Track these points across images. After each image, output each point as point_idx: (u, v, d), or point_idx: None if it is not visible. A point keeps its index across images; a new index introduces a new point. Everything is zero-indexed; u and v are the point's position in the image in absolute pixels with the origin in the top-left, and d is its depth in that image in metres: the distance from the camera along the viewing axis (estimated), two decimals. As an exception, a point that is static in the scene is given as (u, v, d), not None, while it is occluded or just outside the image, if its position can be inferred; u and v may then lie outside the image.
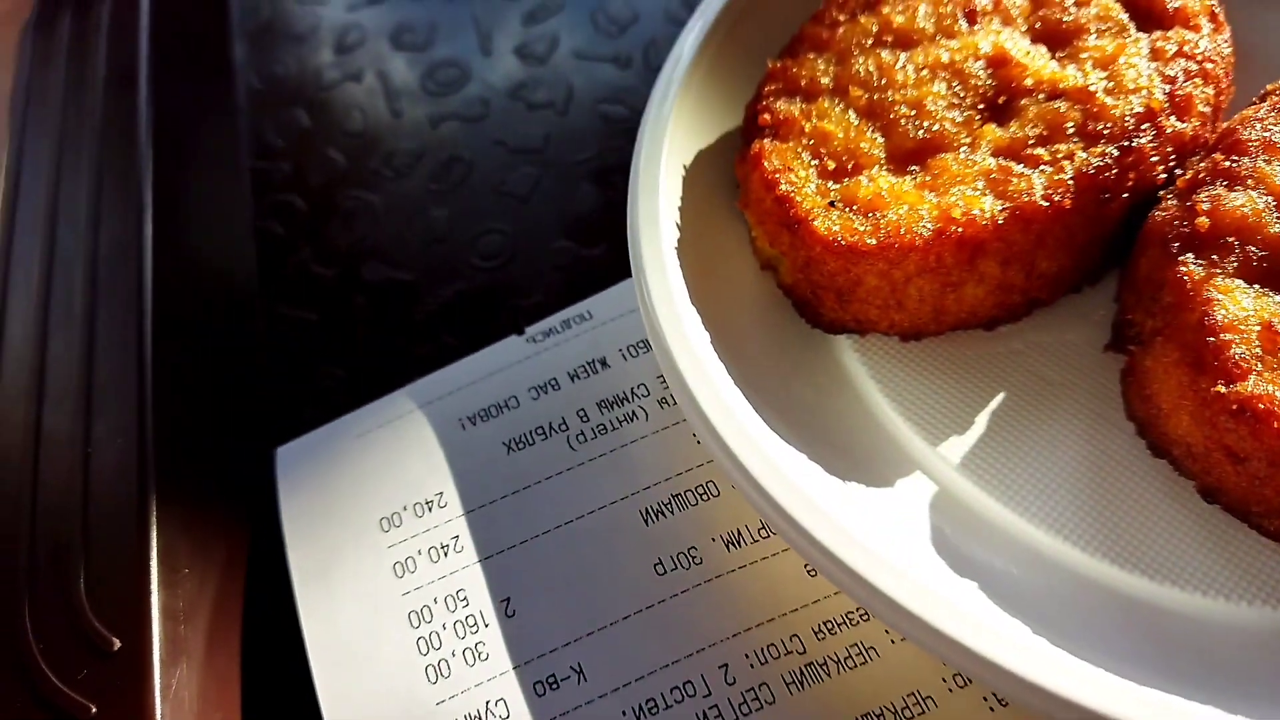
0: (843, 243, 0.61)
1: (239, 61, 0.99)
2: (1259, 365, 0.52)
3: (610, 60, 0.93)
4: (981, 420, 0.63)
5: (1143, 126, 0.61)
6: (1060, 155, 0.61)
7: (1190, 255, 0.56)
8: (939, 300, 0.63)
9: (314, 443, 0.71)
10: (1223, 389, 0.52)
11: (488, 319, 0.78)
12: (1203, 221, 0.56)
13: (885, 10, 0.71)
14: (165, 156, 0.83)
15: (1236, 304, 0.54)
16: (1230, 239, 0.56)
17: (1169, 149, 0.62)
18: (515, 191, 0.86)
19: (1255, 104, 0.64)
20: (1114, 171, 0.60)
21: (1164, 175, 0.63)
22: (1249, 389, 0.51)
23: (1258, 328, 0.53)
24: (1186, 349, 0.54)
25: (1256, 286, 0.54)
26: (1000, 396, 0.63)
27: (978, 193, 0.61)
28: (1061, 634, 0.51)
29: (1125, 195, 0.61)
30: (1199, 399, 0.54)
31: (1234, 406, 0.51)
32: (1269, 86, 0.64)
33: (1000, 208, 0.60)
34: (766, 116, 0.67)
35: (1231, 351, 0.52)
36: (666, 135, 0.69)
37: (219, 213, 0.87)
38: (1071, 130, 0.62)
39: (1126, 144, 0.61)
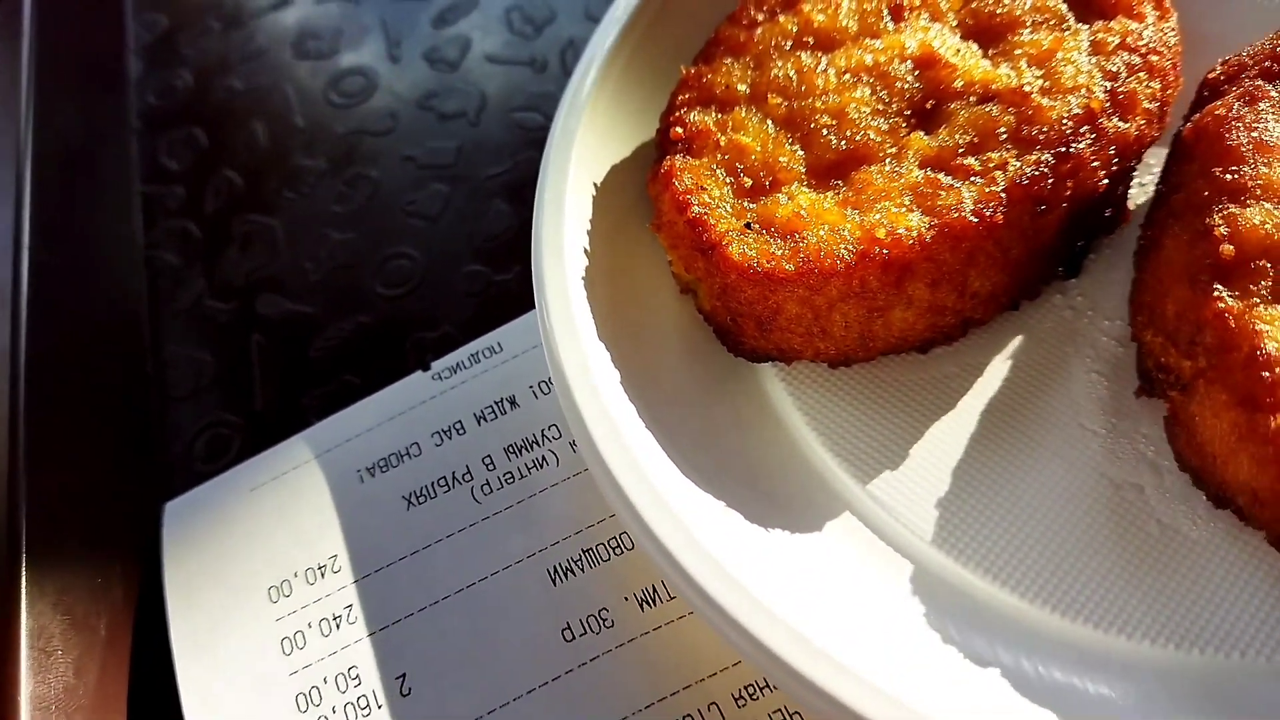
0: (759, 269, 0.56)
1: (133, 78, 0.93)
2: None
3: (526, 64, 0.87)
4: (917, 455, 0.58)
5: (1081, 129, 0.56)
6: (992, 165, 0.56)
7: (1222, 288, 0.51)
8: (866, 326, 0.58)
9: (203, 497, 0.65)
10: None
11: (392, 353, 0.73)
12: (1227, 249, 0.51)
13: (806, 8, 0.65)
14: (48, 181, 0.77)
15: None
16: (1260, 262, 0.51)
17: (1111, 151, 0.57)
18: (424, 211, 0.80)
19: (1206, 96, 0.59)
20: (1050, 181, 0.55)
21: (1106, 181, 0.58)
22: None
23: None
24: (1237, 388, 0.49)
25: None
26: (936, 428, 0.59)
27: (903, 209, 0.56)
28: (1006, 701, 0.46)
29: (1064, 205, 0.57)
30: (1260, 438, 0.48)
31: None
32: (1208, 75, 0.59)
33: (927, 225, 0.55)
34: (679, 130, 0.62)
35: None
36: (573, 151, 0.64)
37: (106, 242, 0.81)
38: (1004, 136, 0.57)
39: (1064, 150, 0.56)
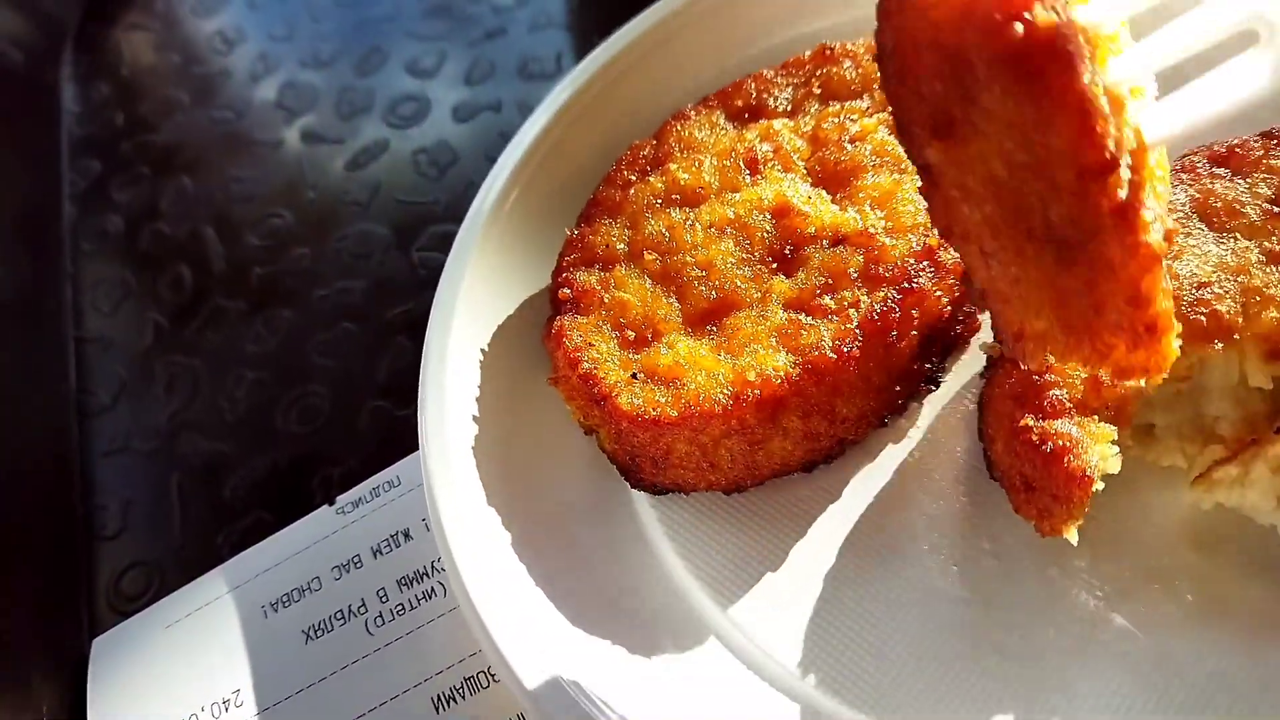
0: (647, 416, 0.62)
1: (67, 222, 0.98)
2: (1072, 410, 0.55)
3: (430, 204, 0.93)
4: (780, 578, 0.63)
5: (922, 264, 0.63)
6: (846, 303, 0.63)
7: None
8: (750, 458, 0.64)
9: (126, 634, 0.71)
10: (1030, 422, 0.54)
11: (301, 489, 0.78)
12: None
13: (673, 167, 0.72)
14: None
15: None
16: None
17: (951, 280, 0.64)
18: (333, 349, 0.86)
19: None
20: (898, 314, 0.62)
21: (949, 307, 0.65)
22: (1054, 427, 0.54)
23: (1085, 376, 0.56)
24: (1017, 382, 0.57)
25: None
26: (797, 550, 0.64)
27: (771, 350, 0.62)
28: None
29: (914, 332, 0.63)
30: (1012, 429, 0.56)
31: (1035, 439, 0.54)
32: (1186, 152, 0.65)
33: (793, 364, 0.61)
34: (566, 291, 0.68)
35: (1051, 393, 0.55)
36: (459, 300, 0.71)
37: (37, 385, 0.86)
38: (855, 276, 0.64)
39: (908, 285, 0.63)
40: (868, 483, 0.66)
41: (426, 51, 1.05)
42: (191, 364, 0.87)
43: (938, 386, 0.69)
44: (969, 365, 0.69)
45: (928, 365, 0.67)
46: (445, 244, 0.88)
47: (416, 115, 1.00)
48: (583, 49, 0.98)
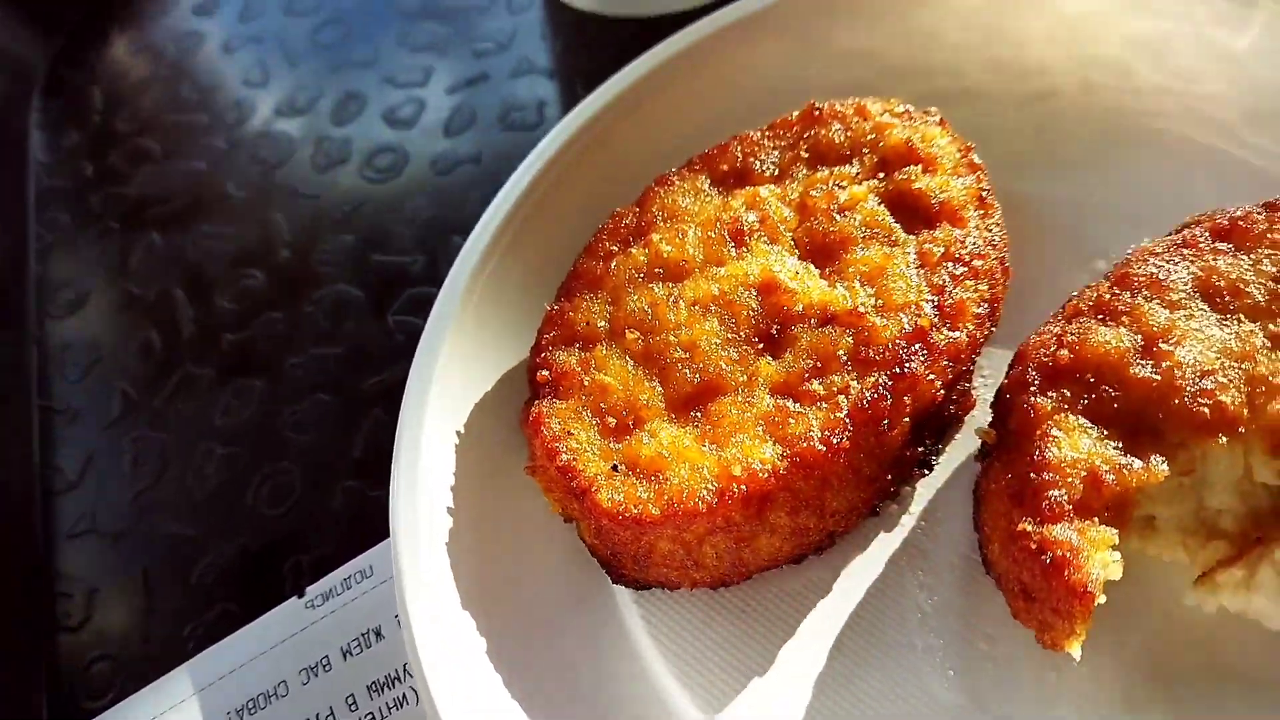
0: (627, 515, 0.59)
1: (32, 281, 0.95)
2: (1071, 513, 0.52)
3: (408, 264, 0.90)
4: (790, 687, 0.61)
5: (914, 347, 0.60)
6: (835, 389, 0.60)
7: (1045, 385, 0.56)
8: (736, 555, 0.61)
9: None
10: (1029, 526, 0.52)
11: (270, 577, 0.75)
12: (1064, 355, 0.56)
13: (656, 238, 0.69)
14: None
15: (1073, 446, 0.53)
16: (1089, 375, 0.55)
17: (944, 362, 0.61)
18: (305, 422, 0.83)
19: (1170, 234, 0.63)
20: (889, 400, 0.59)
21: (943, 390, 0.62)
22: (1053, 534, 0.51)
23: (1084, 474, 0.53)
24: (1014, 479, 0.54)
25: (1100, 430, 0.54)
26: (807, 653, 0.61)
27: (758, 440, 0.59)
28: None
29: (906, 418, 0.60)
30: (1009, 531, 0.53)
31: (1033, 546, 0.51)
32: (1187, 218, 0.63)
33: (780, 456, 0.58)
34: (545, 373, 0.65)
35: (1050, 493, 0.52)
36: (434, 381, 0.68)
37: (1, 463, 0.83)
38: (844, 358, 0.61)
39: (899, 370, 0.60)
40: (860, 575, 0.63)
41: (405, 99, 1.02)
42: (160, 438, 0.84)
43: (931, 470, 0.67)
44: (963, 444, 0.67)
45: (920, 449, 0.64)
46: (423, 309, 0.85)
47: (394, 167, 0.97)
48: (566, 96, 0.95)
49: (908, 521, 0.65)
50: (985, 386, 0.69)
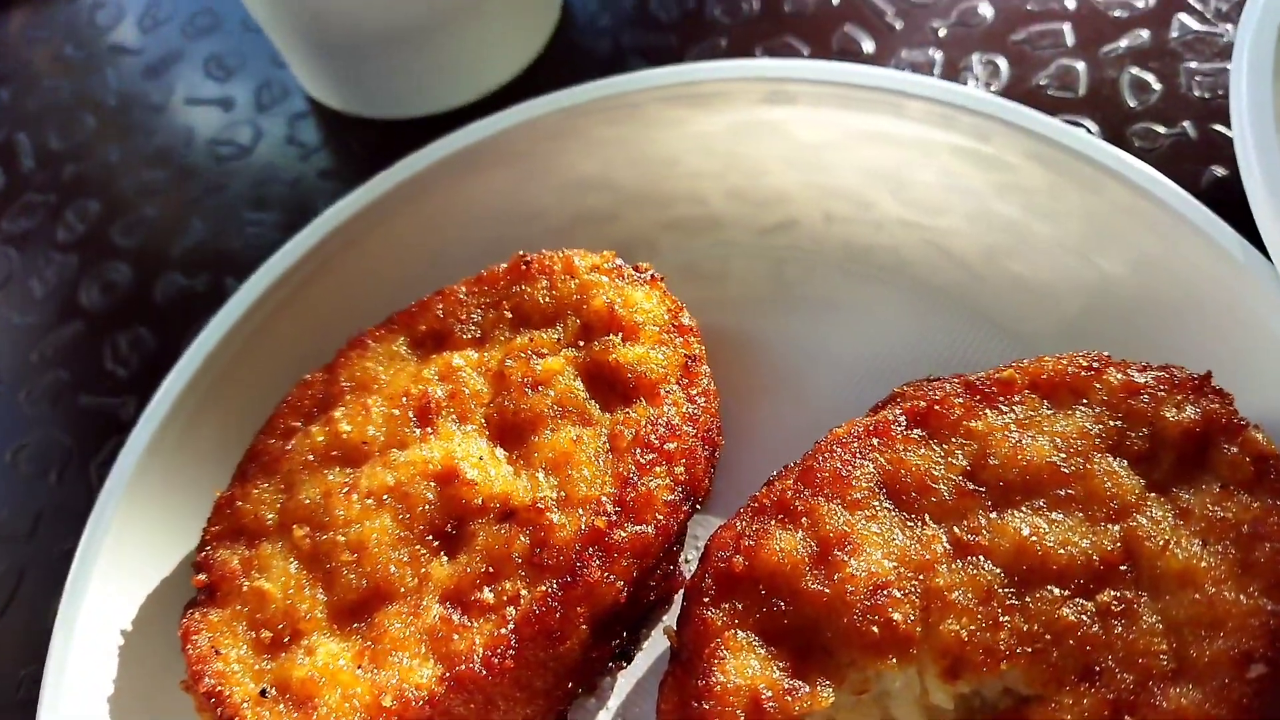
0: (270, 748, 0.54)
1: None
2: None
3: (117, 404, 0.83)
4: None
5: (589, 550, 0.56)
6: (505, 597, 0.56)
7: (720, 595, 0.53)
8: (398, 783, 0.56)
9: None
10: None
11: None
12: (739, 561, 0.53)
13: (337, 415, 0.64)
14: None
15: (739, 669, 0.51)
16: (761, 587, 0.53)
17: (627, 560, 0.57)
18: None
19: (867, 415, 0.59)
20: (560, 612, 0.55)
21: (627, 589, 0.58)
22: None
23: (746, 701, 0.50)
24: (680, 704, 0.52)
25: (769, 649, 0.52)
26: None
27: (418, 659, 0.55)
28: None
29: (583, 625, 0.56)
30: None
31: None
32: (894, 389, 0.60)
33: (439, 678, 0.54)
34: (202, 576, 0.60)
35: None
36: (93, 577, 0.63)
37: None
38: (519, 561, 0.57)
39: (570, 579, 0.55)
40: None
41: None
42: None
43: (630, 661, 0.63)
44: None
45: (614, 643, 0.61)
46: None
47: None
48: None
49: (604, 718, 0.61)
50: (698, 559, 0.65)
